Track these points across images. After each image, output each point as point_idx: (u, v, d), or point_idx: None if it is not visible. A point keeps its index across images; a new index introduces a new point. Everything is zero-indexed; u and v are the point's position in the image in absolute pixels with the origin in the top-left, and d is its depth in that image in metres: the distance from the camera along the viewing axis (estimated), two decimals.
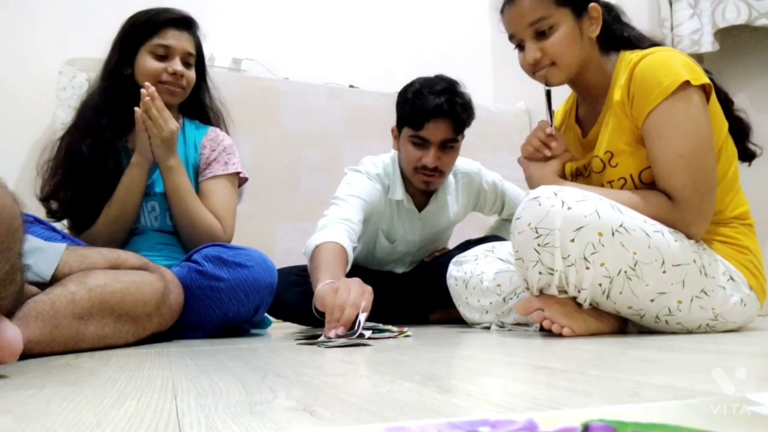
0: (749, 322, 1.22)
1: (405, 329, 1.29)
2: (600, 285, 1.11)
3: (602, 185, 1.27)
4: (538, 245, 1.10)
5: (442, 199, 1.81)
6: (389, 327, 1.29)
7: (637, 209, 1.13)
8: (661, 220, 1.13)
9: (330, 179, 1.96)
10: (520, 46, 1.29)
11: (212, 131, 1.64)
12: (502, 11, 1.30)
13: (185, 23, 1.55)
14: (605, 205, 1.09)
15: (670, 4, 2.11)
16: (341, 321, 1.14)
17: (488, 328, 1.45)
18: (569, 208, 1.08)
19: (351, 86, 2.74)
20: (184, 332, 1.37)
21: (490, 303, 1.43)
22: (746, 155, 1.30)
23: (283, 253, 2.27)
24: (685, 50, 1.99)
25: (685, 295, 1.12)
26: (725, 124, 1.23)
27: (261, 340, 1.33)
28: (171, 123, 1.45)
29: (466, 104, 1.62)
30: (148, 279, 1.22)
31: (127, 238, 1.52)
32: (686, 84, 1.13)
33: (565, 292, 1.14)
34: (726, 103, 1.27)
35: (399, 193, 1.74)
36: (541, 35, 1.24)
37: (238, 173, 1.61)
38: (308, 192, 2.40)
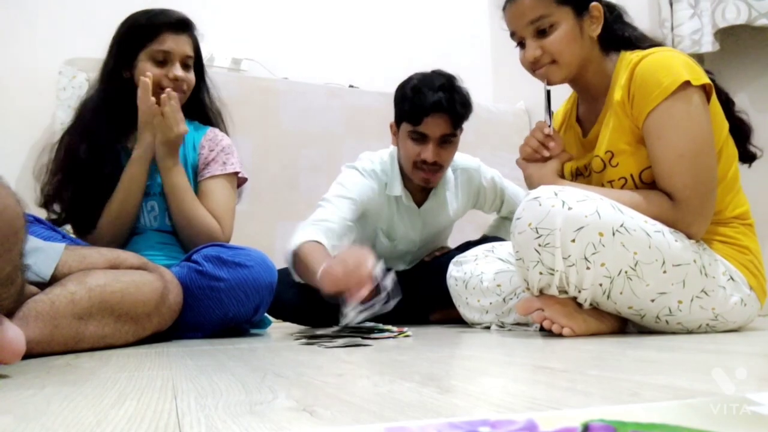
0: (749, 322, 1.22)
1: (405, 329, 1.29)
2: (600, 285, 1.11)
3: (602, 185, 1.27)
4: (539, 245, 1.10)
5: (441, 195, 1.81)
6: (389, 327, 1.29)
7: (638, 209, 1.13)
8: (662, 219, 1.13)
9: (329, 179, 1.97)
10: (521, 44, 1.30)
11: (211, 131, 1.64)
12: (504, 8, 1.30)
13: (182, 26, 1.54)
14: (606, 205, 1.09)
15: (671, 4, 2.11)
16: (362, 282, 1.14)
17: (488, 328, 1.45)
18: (570, 208, 1.08)
19: (351, 86, 2.74)
20: (184, 332, 1.37)
21: (490, 303, 1.43)
22: (747, 157, 1.30)
23: (282, 253, 2.26)
24: (686, 50, 1.99)
25: (685, 295, 1.12)
26: (726, 125, 1.23)
27: (261, 340, 1.33)
28: (181, 126, 1.46)
29: (464, 99, 1.63)
30: (147, 279, 1.22)
31: (127, 237, 1.52)
32: (686, 84, 1.13)
33: (566, 292, 1.14)
34: (727, 103, 1.27)
35: (398, 189, 1.74)
36: (542, 33, 1.24)
37: (236, 173, 1.61)
38: (308, 192, 2.40)
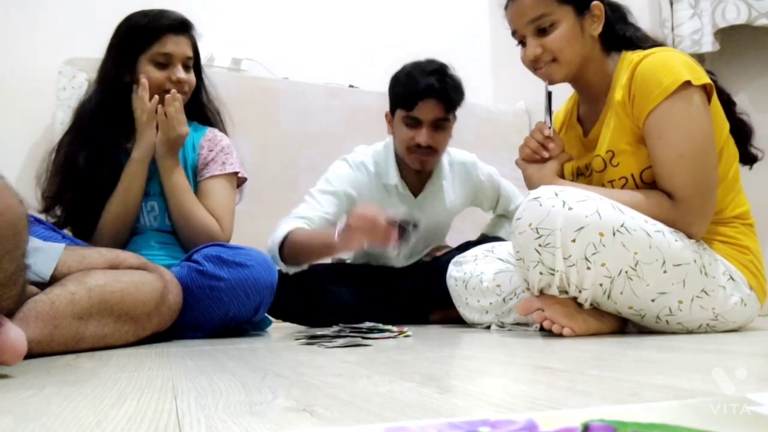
0: (749, 322, 1.22)
1: (405, 329, 1.29)
2: (601, 285, 1.11)
3: (603, 185, 1.28)
4: (539, 245, 1.10)
5: (437, 184, 1.81)
6: (389, 327, 1.29)
7: (638, 209, 1.13)
8: (662, 219, 1.14)
9: None
10: (522, 43, 1.30)
11: (210, 132, 1.64)
12: (505, 7, 1.30)
13: (182, 27, 1.54)
14: (606, 206, 1.09)
15: (671, 4, 2.11)
16: (385, 228, 1.30)
17: (488, 328, 1.45)
18: (570, 209, 1.08)
19: (351, 86, 2.74)
20: (184, 332, 1.37)
21: (490, 303, 1.43)
22: (748, 158, 1.30)
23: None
24: (686, 50, 1.99)
25: (685, 294, 1.12)
26: (726, 125, 1.23)
27: (261, 340, 1.33)
28: (183, 127, 1.47)
29: (456, 84, 1.66)
30: (147, 279, 1.22)
31: (127, 238, 1.52)
32: (687, 84, 1.13)
33: (566, 292, 1.14)
34: (728, 104, 1.27)
35: (393, 177, 1.75)
36: (542, 32, 1.25)
37: (236, 173, 1.61)
38: (308, 192, 2.39)
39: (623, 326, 1.22)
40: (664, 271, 1.09)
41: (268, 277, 1.39)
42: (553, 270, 1.11)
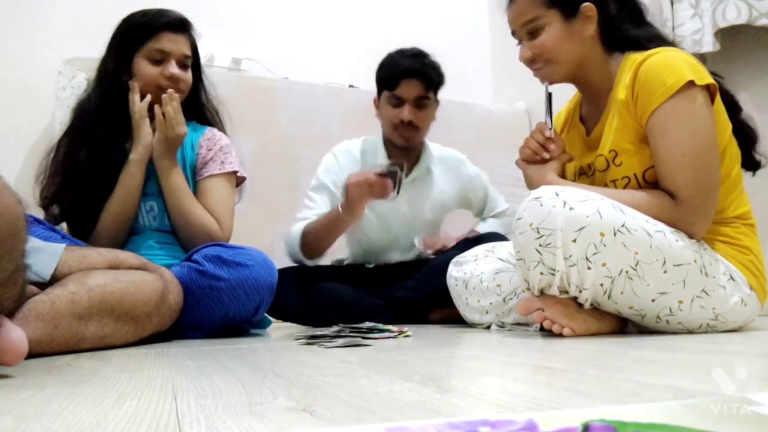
0: (750, 322, 1.22)
1: (405, 329, 1.29)
2: (601, 285, 1.11)
3: (606, 184, 1.28)
4: (540, 245, 1.10)
5: (424, 167, 1.92)
6: (389, 327, 1.29)
7: (640, 209, 1.13)
8: (663, 219, 1.14)
9: None
10: (521, 43, 1.33)
11: (209, 131, 1.64)
12: (506, 9, 1.34)
13: (180, 26, 1.54)
14: (607, 206, 1.09)
15: (672, 4, 2.11)
16: (376, 180, 1.56)
17: (488, 328, 1.45)
18: (571, 209, 1.08)
19: (351, 86, 2.74)
20: (184, 332, 1.37)
21: (490, 303, 1.43)
22: (751, 164, 1.29)
23: (283, 253, 2.26)
24: (687, 50, 1.99)
25: (685, 294, 1.12)
26: (729, 126, 1.23)
27: (261, 340, 1.33)
28: (182, 127, 1.47)
29: (435, 65, 1.83)
30: (147, 279, 1.22)
31: (126, 238, 1.52)
32: (690, 84, 1.13)
33: (566, 292, 1.14)
34: (734, 108, 1.27)
35: (381, 158, 1.86)
36: (533, 35, 1.29)
37: (235, 172, 1.61)
38: (308, 192, 2.40)
39: (623, 326, 1.22)
40: (665, 271, 1.09)
41: (268, 277, 1.39)
42: (554, 270, 1.11)
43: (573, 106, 1.45)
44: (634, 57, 1.22)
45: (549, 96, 1.34)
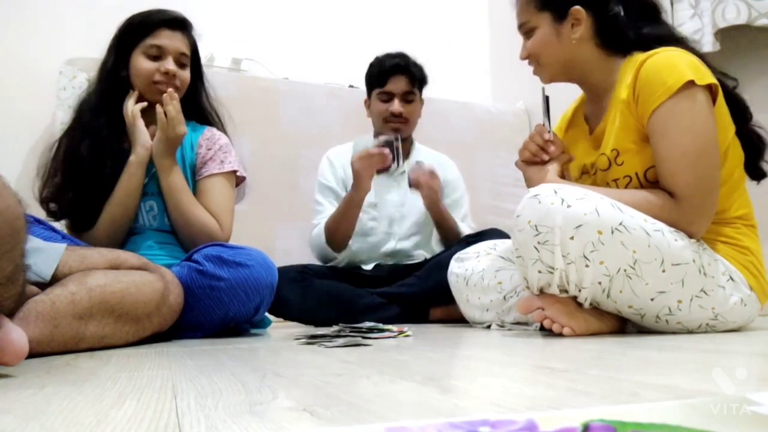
0: (749, 323, 1.22)
1: (405, 329, 1.29)
2: (600, 283, 1.11)
3: (607, 183, 1.28)
4: (538, 243, 1.10)
5: (413, 161, 2.03)
6: (389, 327, 1.29)
7: (640, 208, 1.13)
8: (663, 218, 1.14)
9: None
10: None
11: (208, 131, 1.64)
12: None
13: (179, 24, 1.55)
14: (605, 204, 1.10)
15: (672, 4, 2.11)
16: (376, 154, 1.75)
17: (488, 327, 1.45)
18: (569, 206, 1.08)
19: (351, 86, 2.73)
20: (184, 332, 1.37)
21: (491, 301, 1.43)
22: (756, 174, 1.28)
23: (283, 252, 2.27)
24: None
25: (684, 294, 1.12)
26: (732, 127, 1.23)
27: (261, 339, 1.33)
28: (182, 127, 1.48)
29: (419, 65, 2.02)
30: (148, 279, 1.22)
31: (125, 237, 1.52)
32: (691, 83, 1.13)
33: (566, 291, 1.14)
34: (743, 115, 1.26)
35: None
36: (528, 36, 1.34)
37: (234, 171, 1.61)
38: (308, 192, 2.39)
39: (623, 326, 1.22)
40: (663, 270, 1.09)
41: (268, 277, 1.39)
42: (552, 268, 1.11)
43: (577, 105, 1.46)
44: (637, 57, 1.22)
45: (546, 98, 1.36)
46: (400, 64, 1.97)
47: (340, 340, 1.09)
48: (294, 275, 1.82)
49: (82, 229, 1.49)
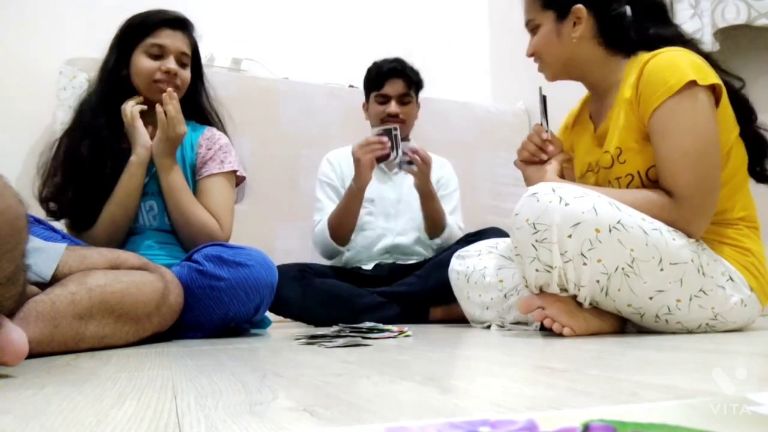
0: (750, 323, 1.22)
1: (405, 329, 1.29)
2: (598, 282, 1.11)
3: (609, 181, 1.28)
4: (536, 241, 1.11)
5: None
6: (389, 327, 1.29)
7: (639, 208, 1.13)
8: (662, 218, 1.14)
9: None
10: None
11: (208, 131, 1.64)
12: None
13: (180, 23, 1.56)
14: (603, 203, 1.10)
15: (672, 3, 2.11)
16: (376, 142, 1.80)
17: (488, 327, 1.45)
18: (567, 204, 1.08)
19: (351, 86, 2.74)
20: (184, 332, 1.37)
21: (491, 299, 1.43)
22: (761, 176, 1.28)
23: (283, 252, 2.27)
24: None
25: (683, 293, 1.12)
26: (737, 128, 1.23)
27: (261, 340, 1.33)
28: (182, 126, 1.48)
29: (415, 69, 2.08)
30: (148, 279, 1.22)
31: (125, 237, 1.52)
32: (692, 84, 1.13)
33: (566, 290, 1.14)
34: (748, 116, 1.25)
35: None
36: (533, 33, 1.36)
37: (234, 171, 1.61)
38: (308, 192, 2.39)
39: (623, 326, 1.22)
40: (661, 269, 1.09)
41: (268, 276, 1.39)
42: (550, 267, 1.11)
43: (584, 103, 1.46)
44: (642, 56, 1.23)
45: (543, 98, 1.37)
46: (397, 68, 2.03)
47: (340, 341, 1.09)
48: (294, 274, 1.82)
49: (81, 229, 1.49)
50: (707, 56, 1.23)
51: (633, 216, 1.10)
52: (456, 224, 2.04)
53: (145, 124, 1.51)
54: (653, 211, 1.14)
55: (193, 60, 1.60)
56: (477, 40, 3.26)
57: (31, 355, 0.96)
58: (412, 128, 2.09)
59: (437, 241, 2.00)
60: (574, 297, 1.15)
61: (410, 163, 1.87)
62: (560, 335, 1.12)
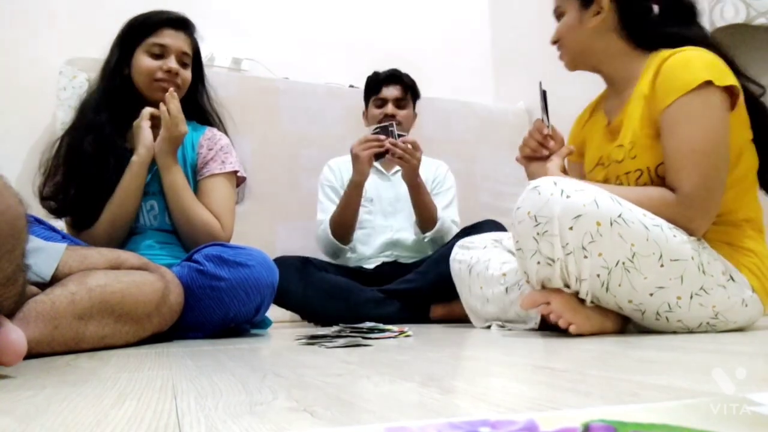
0: (751, 323, 1.22)
1: (405, 329, 1.29)
2: (598, 276, 1.11)
3: (618, 177, 1.28)
4: (537, 234, 1.11)
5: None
6: (389, 327, 1.29)
7: (640, 204, 1.14)
8: (663, 214, 1.14)
9: None
10: None
11: (209, 131, 1.65)
12: None
13: (181, 24, 1.57)
14: (604, 196, 1.10)
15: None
16: (373, 139, 1.87)
17: (489, 327, 1.44)
18: (568, 197, 1.09)
19: (351, 86, 2.74)
20: (184, 332, 1.37)
21: (492, 292, 1.42)
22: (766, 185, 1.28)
23: (283, 252, 2.26)
24: None
25: (684, 291, 1.12)
26: (750, 132, 1.23)
27: (261, 340, 1.33)
28: (184, 126, 1.49)
29: (411, 77, 2.20)
30: (148, 279, 1.22)
31: (126, 237, 1.53)
32: (708, 83, 1.14)
33: (568, 286, 1.14)
34: (764, 122, 1.25)
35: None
36: (559, 20, 1.37)
37: (235, 172, 1.62)
38: (308, 192, 2.40)
39: (625, 325, 1.21)
40: (661, 265, 1.10)
41: (269, 277, 1.39)
42: (551, 260, 1.11)
43: (600, 98, 1.47)
44: (662, 54, 1.23)
45: (543, 93, 1.37)
46: (394, 74, 2.17)
47: (341, 341, 1.09)
48: (297, 265, 1.86)
49: (82, 227, 1.49)
50: (731, 61, 1.22)
51: (634, 211, 1.11)
52: (449, 218, 2.05)
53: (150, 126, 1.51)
54: (655, 207, 1.14)
55: (195, 61, 1.61)
56: (478, 40, 3.26)
57: (31, 355, 0.96)
58: (409, 133, 2.11)
59: (428, 235, 2.00)
60: (576, 294, 1.15)
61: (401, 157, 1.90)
62: (560, 335, 1.12)
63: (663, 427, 0.35)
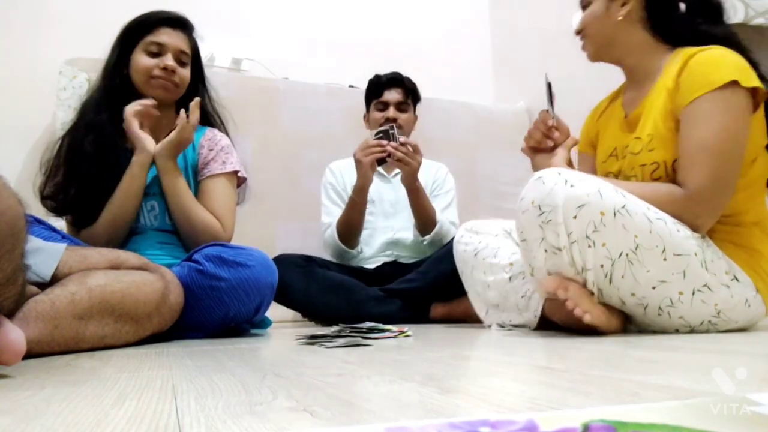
0: (753, 324, 1.22)
1: (405, 329, 1.29)
2: (602, 266, 1.11)
3: (633, 168, 1.27)
4: (542, 222, 1.11)
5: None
6: (389, 327, 1.29)
7: (646, 198, 1.14)
8: (669, 209, 1.14)
9: None
10: None
11: (210, 131, 1.65)
12: None
13: (179, 23, 1.58)
14: (608, 188, 1.11)
15: None
16: (374, 144, 1.87)
17: (489, 327, 1.44)
18: (572, 186, 1.10)
19: (351, 86, 2.74)
20: (184, 332, 1.37)
21: (494, 279, 1.40)
22: None
23: (283, 252, 2.27)
24: None
25: (686, 286, 1.12)
26: (766, 138, 1.23)
27: (261, 340, 1.33)
28: (193, 135, 1.50)
29: (412, 81, 2.21)
30: (148, 279, 1.22)
31: (126, 237, 1.53)
32: (734, 84, 1.14)
33: (578, 273, 1.13)
34: None
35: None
36: (585, 10, 1.36)
37: (236, 172, 1.62)
38: (308, 192, 2.40)
39: (626, 325, 1.21)
40: (664, 259, 1.10)
41: (269, 277, 1.39)
42: (557, 249, 1.11)
43: (617, 91, 1.46)
44: (688, 50, 1.23)
45: (549, 85, 1.38)
46: (396, 77, 2.18)
47: (341, 341, 1.09)
48: (299, 262, 1.88)
49: (83, 226, 1.49)
50: (755, 64, 1.22)
51: (638, 203, 1.11)
52: (448, 220, 2.06)
53: (151, 128, 1.51)
54: (662, 201, 1.14)
55: (195, 62, 1.61)
56: (478, 40, 3.26)
57: (31, 355, 0.96)
58: (410, 136, 2.12)
59: (427, 238, 2.00)
60: (583, 285, 1.14)
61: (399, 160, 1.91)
62: (561, 334, 1.12)
63: (663, 427, 0.35)
